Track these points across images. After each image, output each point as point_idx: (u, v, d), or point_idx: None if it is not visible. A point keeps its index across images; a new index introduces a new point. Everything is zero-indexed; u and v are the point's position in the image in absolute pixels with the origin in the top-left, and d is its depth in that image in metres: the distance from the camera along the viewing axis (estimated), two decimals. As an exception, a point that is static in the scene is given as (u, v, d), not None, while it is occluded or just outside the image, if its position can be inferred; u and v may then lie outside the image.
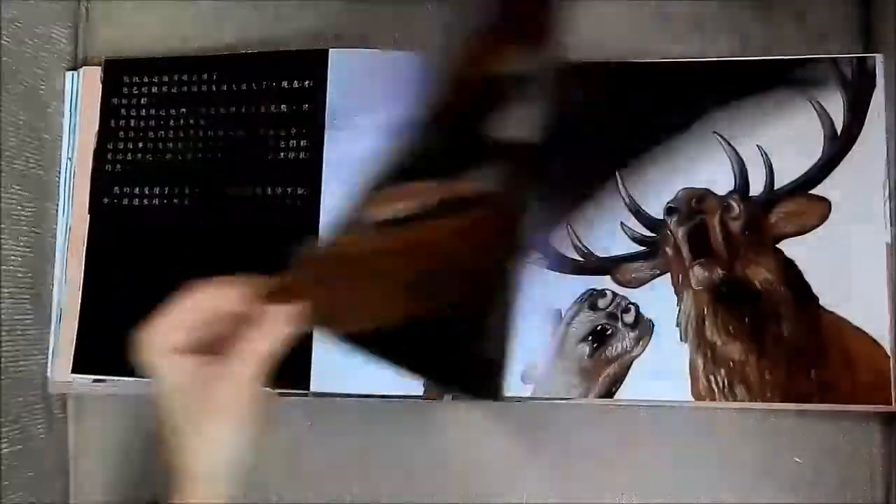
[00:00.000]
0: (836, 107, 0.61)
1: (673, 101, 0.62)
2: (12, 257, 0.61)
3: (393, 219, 0.47)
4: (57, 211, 0.66)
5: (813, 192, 0.60)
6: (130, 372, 0.62)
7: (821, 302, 0.59)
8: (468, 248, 0.46)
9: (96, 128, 0.67)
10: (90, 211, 0.66)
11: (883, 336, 0.59)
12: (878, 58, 0.61)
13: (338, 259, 0.48)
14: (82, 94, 0.67)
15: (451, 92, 0.49)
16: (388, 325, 0.46)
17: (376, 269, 0.47)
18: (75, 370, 0.64)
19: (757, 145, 0.61)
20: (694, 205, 0.61)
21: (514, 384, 0.61)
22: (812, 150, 0.61)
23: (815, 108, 0.61)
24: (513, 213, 0.47)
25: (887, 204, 0.60)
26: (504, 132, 0.47)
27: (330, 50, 0.65)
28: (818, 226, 0.60)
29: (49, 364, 0.64)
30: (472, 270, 0.46)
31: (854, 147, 0.60)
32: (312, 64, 0.65)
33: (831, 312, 0.59)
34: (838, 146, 0.60)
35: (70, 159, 0.67)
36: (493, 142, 0.47)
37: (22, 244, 0.62)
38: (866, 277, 0.59)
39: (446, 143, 0.48)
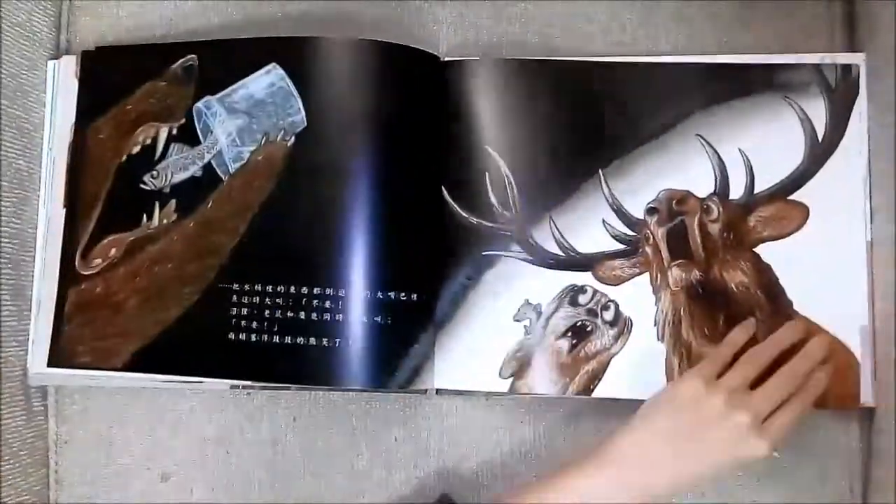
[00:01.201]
0: (818, 112, 0.61)
1: (657, 101, 0.62)
2: (-8, 247, 0.61)
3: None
4: (38, 202, 0.66)
5: (793, 196, 0.61)
6: (107, 366, 0.63)
7: (795, 306, 0.60)
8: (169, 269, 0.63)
9: (73, 120, 0.66)
10: (65, 204, 0.65)
11: (852, 340, 0.59)
12: (861, 58, 0.61)
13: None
14: (61, 84, 0.67)
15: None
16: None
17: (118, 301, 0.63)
18: (51, 364, 0.64)
19: (739, 148, 0.61)
20: (674, 206, 0.61)
21: (493, 379, 0.62)
22: (793, 155, 0.61)
23: (797, 113, 0.61)
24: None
25: (867, 209, 0.60)
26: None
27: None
28: (796, 231, 0.60)
29: (28, 356, 0.64)
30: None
31: (835, 153, 0.60)
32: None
33: (804, 317, 0.59)
34: (819, 151, 0.61)
35: (51, 150, 0.66)
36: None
37: (2, 234, 0.62)
38: (842, 283, 0.60)
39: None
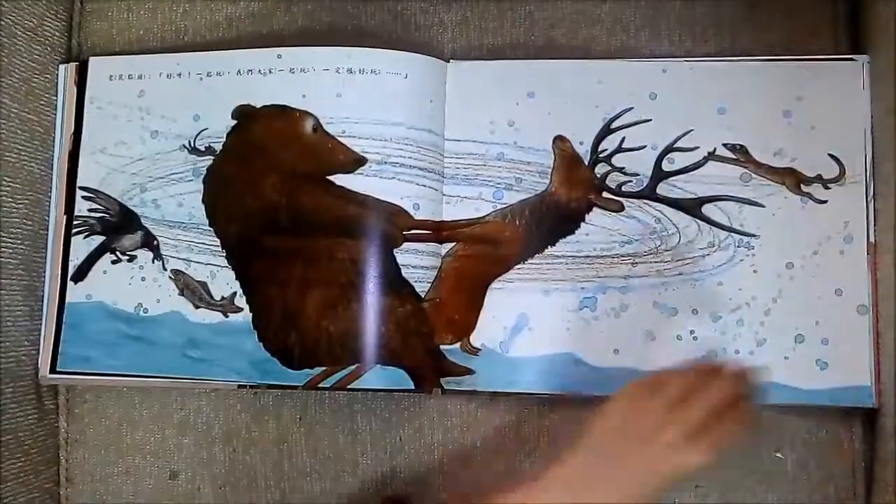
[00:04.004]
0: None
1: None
2: (4, 249, 0.62)
3: None
4: (49, 203, 0.66)
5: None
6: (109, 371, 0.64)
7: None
8: None
9: (72, 127, 0.67)
10: (66, 211, 0.66)
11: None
12: (864, 59, 0.61)
13: None
14: (68, 88, 0.67)
15: None
16: None
17: None
18: (53, 370, 0.65)
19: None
20: None
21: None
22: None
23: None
24: None
25: (870, 203, 0.60)
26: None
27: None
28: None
29: (40, 355, 0.65)
30: None
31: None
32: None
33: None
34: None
35: (61, 153, 0.67)
36: None
37: (13, 236, 0.63)
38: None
39: None
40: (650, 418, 0.50)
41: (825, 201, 0.61)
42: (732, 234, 0.61)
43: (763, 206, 0.61)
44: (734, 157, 0.61)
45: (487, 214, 0.63)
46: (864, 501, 0.60)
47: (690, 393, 0.51)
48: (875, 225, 0.60)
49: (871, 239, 0.60)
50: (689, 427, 0.50)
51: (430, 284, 0.62)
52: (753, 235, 0.61)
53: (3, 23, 0.61)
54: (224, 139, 0.64)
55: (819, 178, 0.61)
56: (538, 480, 0.51)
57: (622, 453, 0.50)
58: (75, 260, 0.66)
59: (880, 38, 0.60)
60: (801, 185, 0.61)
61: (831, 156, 0.61)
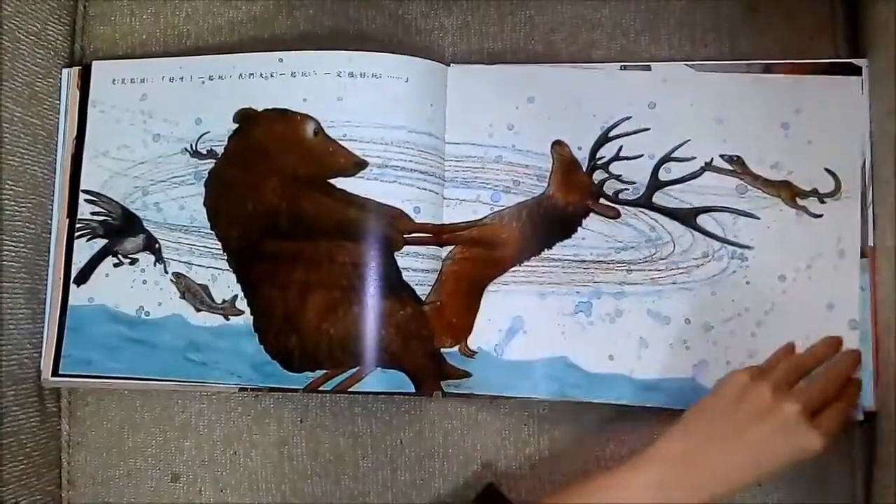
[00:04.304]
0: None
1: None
2: (7, 252, 0.62)
3: None
4: (52, 206, 0.67)
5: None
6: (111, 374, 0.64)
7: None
8: None
9: (75, 131, 0.67)
10: (68, 214, 0.67)
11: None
12: (864, 63, 0.61)
13: None
14: (71, 92, 0.68)
15: None
16: None
17: None
18: (55, 373, 0.65)
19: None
20: None
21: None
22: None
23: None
24: None
25: (868, 214, 0.60)
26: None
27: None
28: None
29: (42, 358, 0.65)
30: None
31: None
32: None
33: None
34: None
35: (63, 157, 0.67)
36: None
37: (16, 239, 0.63)
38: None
39: None
40: (765, 395, 0.49)
41: (820, 215, 0.60)
42: (726, 245, 0.61)
43: (758, 219, 0.61)
44: (731, 168, 0.61)
45: (485, 217, 0.64)
46: (863, 505, 0.61)
47: (805, 373, 0.51)
48: (874, 230, 0.59)
49: (864, 255, 0.59)
50: (806, 404, 0.49)
51: (430, 287, 0.63)
52: (747, 247, 0.61)
53: (6, 27, 0.62)
54: (226, 143, 0.65)
55: (815, 193, 0.60)
56: (633, 462, 0.50)
57: (733, 431, 0.49)
58: (77, 263, 0.66)
59: (880, 38, 0.59)
60: (797, 199, 0.61)
61: (827, 170, 0.60)
